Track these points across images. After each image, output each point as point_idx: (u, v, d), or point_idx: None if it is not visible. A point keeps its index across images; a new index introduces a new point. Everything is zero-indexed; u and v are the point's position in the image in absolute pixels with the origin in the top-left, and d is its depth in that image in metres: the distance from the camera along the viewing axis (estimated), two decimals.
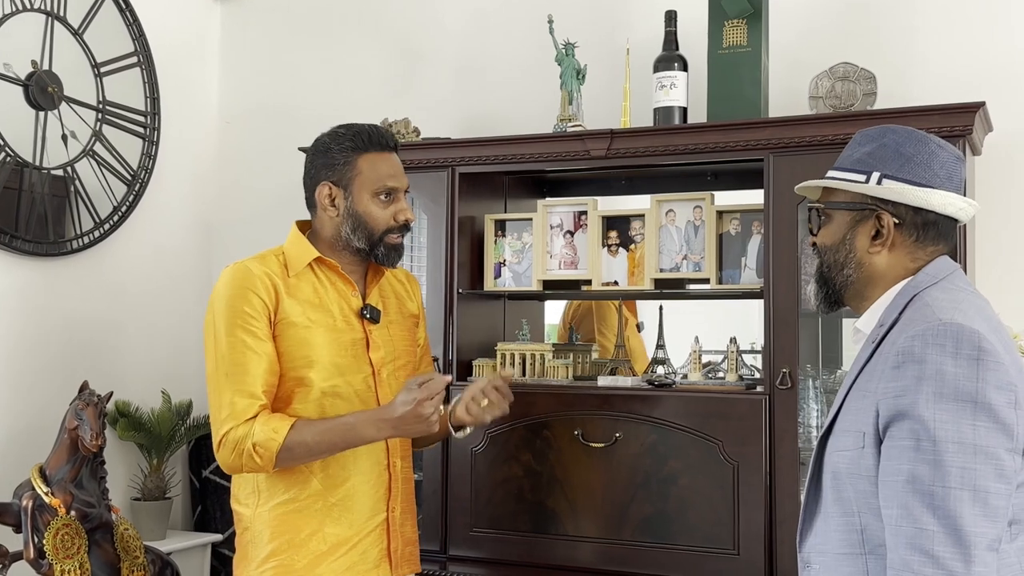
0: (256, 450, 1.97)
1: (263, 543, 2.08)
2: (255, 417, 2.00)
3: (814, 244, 1.71)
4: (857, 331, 1.67)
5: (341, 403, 2.09)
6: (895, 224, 1.60)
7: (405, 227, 2.17)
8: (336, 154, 2.13)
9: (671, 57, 2.75)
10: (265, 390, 2.03)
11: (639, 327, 3.19)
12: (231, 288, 2.06)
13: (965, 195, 1.63)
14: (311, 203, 2.18)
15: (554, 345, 2.83)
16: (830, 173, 1.67)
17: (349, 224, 2.12)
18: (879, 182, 1.59)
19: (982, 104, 2.33)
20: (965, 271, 2.30)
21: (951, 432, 1.40)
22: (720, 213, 2.67)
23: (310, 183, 2.17)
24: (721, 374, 2.67)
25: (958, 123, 2.32)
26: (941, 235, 1.62)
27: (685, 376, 2.68)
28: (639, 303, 3.23)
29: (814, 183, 1.70)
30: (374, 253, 2.14)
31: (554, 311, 3.34)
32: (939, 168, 1.58)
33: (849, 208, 1.63)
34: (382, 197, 2.13)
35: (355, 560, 2.10)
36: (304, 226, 2.21)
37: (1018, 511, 1.46)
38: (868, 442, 1.50)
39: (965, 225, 2.31)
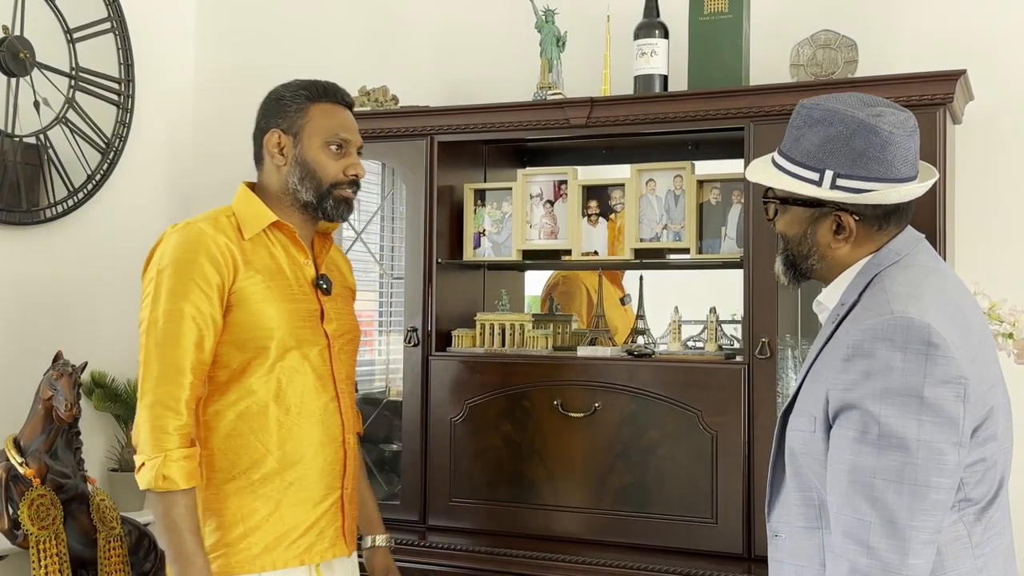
0: (156, 471, 1.85)
1: (213, 528, 1.97)
2: (184, 435, 1.88)
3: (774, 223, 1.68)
4: (819, 303, 1.67)
5: (298, 377, 2.00)
6: (856, 220, 1.56)
7: (355, 183, 2.07)
8: (289, 102, 2.06)
9: (652, 24, 2.72)
10: (194, 366, 1.91)
11: (623, 301, 3.18)
12: (182, 251, 1.94)
13: (921, 161, 1.59)
14: (258, 156, 2.10)
15: (534, 315, 2.82)
16: (778, 159, 1.61)
17: (297, 173, 2.03)
18: (833, 182, 1.53)
19: (963, 72, 2.32)
20: (944, 241, 2.30)
21: (896, 426, 1.40)
22: (700, 182, 2.65)
23: (259, 134, 2.09)
24: (701, 344, 2.67)
25: (939, 91, 2.31)
26: (903, 215, 1.59)
27: (665, 346, 2.68)
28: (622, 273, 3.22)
29: (765, 180, 1.63)
30: (322, 206, 2.04)
31: (534, 281, 3.33)
32: (893, 157, 1.51)
33: (806, 205, 1.59)
34: (333, 148, 2.04)
35: (312, 541, 2.01)
36: (252, 187, 2.11)
37: (970, 490, 1.47)
38: (818, 427, 1.52)
39: (945, 193, 2.32)
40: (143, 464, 1.88)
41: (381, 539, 2.24)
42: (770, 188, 1.65)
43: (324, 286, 2.08)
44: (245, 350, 1.97)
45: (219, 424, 1.97)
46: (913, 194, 1.56)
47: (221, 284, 1.94)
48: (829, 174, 1.53)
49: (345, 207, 2.07)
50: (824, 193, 1.54)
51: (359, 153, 2.10)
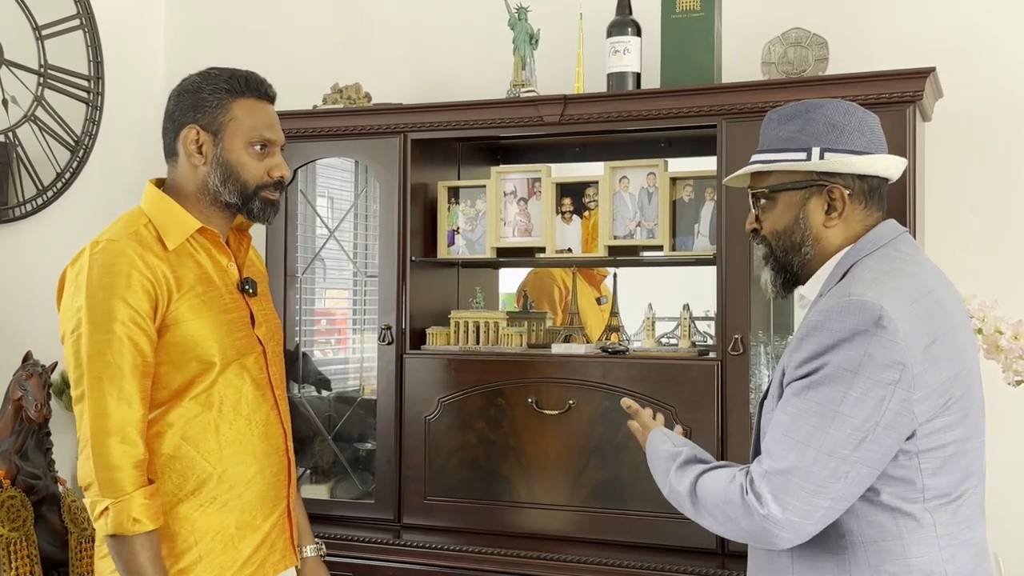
0: (125, 514, 1.73)
1: (165, 555, 1.82)
2: (144, 470, 1.76)
3: (755, 231, 1.69)
4: (802, 297, 1.69)
5: (239, 390, 1.89)
6: (847, 193, 1.59)
7: (280, 185, 1.93)
8: (207, 96, 1.88)
9: (624, 22, 2.73)
10: (142, 397, 1.78)
11: (599, 301, 3.18)
12: (113, 275, 1.79)
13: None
14: (171, 150, 1.93)
15: (508, 313, 2.83)
16: (757, 158, 1.64)
17: (218, 174, 1.88)
18: (822, 156, 1.58)
19: (932, 70, 2.34)
20: (914, 237, 2.32)
21: (823, 393, 1.45)
22: (674, 180, 2.66)
23: (172, 127, 1.91)
24: (674, 341, 2.68)
25: (908, 89, 2.33)
26: (881, 198, 1.64)
27: (639, 343, 2.69)
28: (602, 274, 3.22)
29: (745, 170, 1.67)
30: (248, 208, 1.91)
31: (508, 279, 3.33)
32: (870, 133, 1.61)
33: (796, 187, 1.61)
34: (257, 148, 1.89)
35: (266, 555, 1.92)
36: (161, 183, 1.96)
37: (928, 476, 1.49)
38: (778, 404, 1.56)
39: (915, 190, 2.34)
40: (106, 508, 1.74)
41: (311, 549, 2.11)
42: (756, 187, 1.67)
43: (250, 290, 1.96)
44: (185, 369, 1.85)
45: (161, 446, 1.84)
46: (895, 165, 1.62)
47: (156, 307, 1.81)
48: (816, 149, 1.59)
49: (271, 209, 1.94)
50: (816, 164, 1.58)
51: (282, 151, 1.96)
